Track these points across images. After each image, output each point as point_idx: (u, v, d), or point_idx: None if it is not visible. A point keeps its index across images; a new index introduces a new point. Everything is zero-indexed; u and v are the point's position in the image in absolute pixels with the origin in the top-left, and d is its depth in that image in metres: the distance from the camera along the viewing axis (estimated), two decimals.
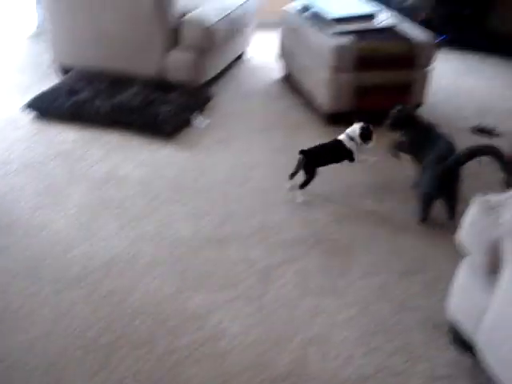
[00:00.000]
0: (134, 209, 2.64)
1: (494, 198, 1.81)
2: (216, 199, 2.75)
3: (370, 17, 3.60)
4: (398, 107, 2.95)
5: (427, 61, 3.53)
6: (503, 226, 1.67)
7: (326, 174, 2.84)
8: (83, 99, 3.41)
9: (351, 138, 2.87)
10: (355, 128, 2.88)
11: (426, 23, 5.09)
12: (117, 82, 3.64)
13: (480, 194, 1.86)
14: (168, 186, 2.83)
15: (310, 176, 2.76)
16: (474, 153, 2.58)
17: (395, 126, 2.91)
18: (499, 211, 1.72)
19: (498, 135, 3.56)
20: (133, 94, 3.47)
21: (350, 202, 2.81)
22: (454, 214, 2.61)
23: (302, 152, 2.75)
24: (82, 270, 2.26)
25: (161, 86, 3.62)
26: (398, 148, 2.94)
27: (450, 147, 2.68)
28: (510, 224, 1.62)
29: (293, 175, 2.78)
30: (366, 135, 2.86)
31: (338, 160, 2.87)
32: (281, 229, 2.55)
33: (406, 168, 2.92)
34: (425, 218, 2.67)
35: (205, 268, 2.31)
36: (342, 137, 2.89)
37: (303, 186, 2.76)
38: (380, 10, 3.75)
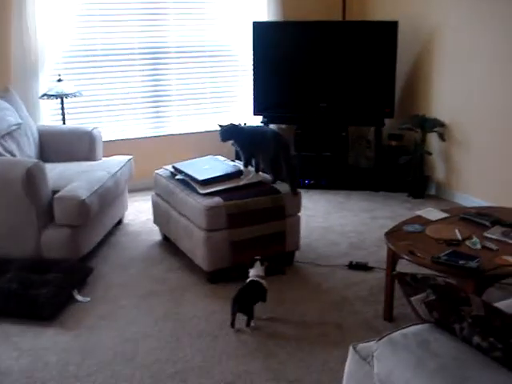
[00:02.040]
0: None
1: (364, 346, 1.91)
2: (104, 381, 2.65)
3: (236, 175, 3.81)
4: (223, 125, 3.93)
5: (295, 209, 3.75)
6: (377, 376, 1.75)
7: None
8: None
9: (262, 278, 3.15)
10: (258, 268, 3.18)
11: None
12: None
13: (353, 344, 1.96)
14: (52, 373, 2.71)
15: (250, 314, 3.04)
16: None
17: (225, 137, 3.92)
18: (371, 361, 1.80)
19: (371, 268, 3.78)
20: (9, 279, 3.37)
21: (236, 365, 2.81)
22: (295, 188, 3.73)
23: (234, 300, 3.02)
24: None
25: (38, 266, 3.55)
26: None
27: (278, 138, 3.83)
28: (381, 375, 1.70)
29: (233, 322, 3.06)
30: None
31: (258, 300, 3.11)
32: None
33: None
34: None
35: None
36: (256, 279, 3.12)
37: (248, 324, 3.04)
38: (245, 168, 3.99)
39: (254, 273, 3.17)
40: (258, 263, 3.19)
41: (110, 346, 2.94)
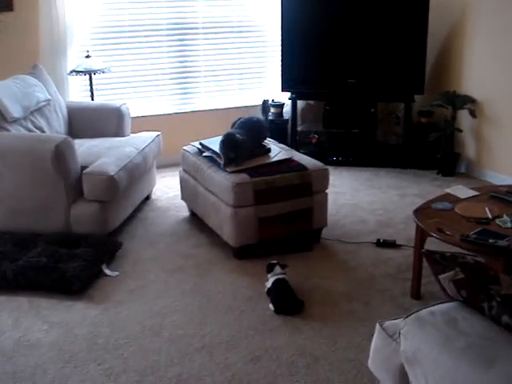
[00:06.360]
0: (47, 377, 2.55)
1: (391, 324, 1.90)
2: (132, 354, 2.69)
3: (265, 152, 3.80)
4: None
5: (323, 185, 3.73)
6: (403, 353, 1.75)
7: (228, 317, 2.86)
8: None
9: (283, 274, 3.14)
10: (277, 269, 3.14)
11: (318, 146, 5.45)
12: (21, 241, 3.58)
13: (380, 321, 1.95)
14: (82, 346, 2.76)
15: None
16: None
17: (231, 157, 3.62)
18: (397, 339, 1.80)
19: (399, 246, 3.75)
20: (38, 252, 3.42)
21: (262, 340, 2.82)
22: None
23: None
24: None
25: (68, 240, 3.60)
26: None
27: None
28: (407, 353, 1.70)
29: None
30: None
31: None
32: (200, 377, 2.52)
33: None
34: None
35: None
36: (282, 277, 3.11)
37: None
38: (274, 145, 3.97)
39: (278, 273, 3.13)
40: (277, 267, 3.15)
41: (138, 320, 2.98)
